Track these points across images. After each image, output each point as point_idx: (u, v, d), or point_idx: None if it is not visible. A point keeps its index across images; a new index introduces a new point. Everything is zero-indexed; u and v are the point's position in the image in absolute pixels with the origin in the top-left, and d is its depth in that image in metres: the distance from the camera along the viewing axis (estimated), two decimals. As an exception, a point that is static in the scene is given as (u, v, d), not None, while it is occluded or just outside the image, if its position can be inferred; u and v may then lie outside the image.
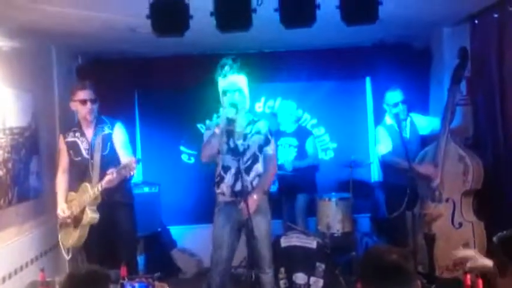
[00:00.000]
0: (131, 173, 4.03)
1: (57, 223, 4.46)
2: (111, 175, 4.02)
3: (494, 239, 2.55)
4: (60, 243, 4.44)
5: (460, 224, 4.43)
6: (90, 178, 4.28)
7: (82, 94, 4.32)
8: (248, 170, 4.08)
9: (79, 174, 4.40)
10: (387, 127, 4.95)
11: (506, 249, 2.29)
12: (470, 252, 2.62)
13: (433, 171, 4.55)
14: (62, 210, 4.32)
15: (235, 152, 4.08)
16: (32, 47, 4.67)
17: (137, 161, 4.10)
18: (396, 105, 4.87)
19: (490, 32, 4.35)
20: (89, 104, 4.31)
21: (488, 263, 2.46)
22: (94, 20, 4.29)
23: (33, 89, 4.64)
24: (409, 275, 2.14)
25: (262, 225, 4.09)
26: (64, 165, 4.46)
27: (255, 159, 4.14)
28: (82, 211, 4.23)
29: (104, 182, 4.07)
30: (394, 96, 4.90)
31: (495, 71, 4.33)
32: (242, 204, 3.95)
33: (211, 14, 3.33)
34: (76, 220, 4.28)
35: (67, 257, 4.40)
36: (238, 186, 4.08)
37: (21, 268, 4.26)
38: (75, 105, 4.38)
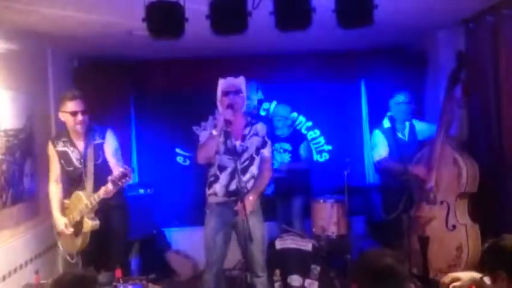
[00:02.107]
0: (128, 182, 3.97)
1: (51, 225, 4.41)
2: (107, 187, 3.91)
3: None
4: (62, 248, 4.37)
5: (454, 227, 4.43)
6: (83, 187, 4.22)
7: (73, 105, 4.15)
8: (244, 171, 4.10)
9: (72, 183, 4.34)
10: (384, 130, 4.97)
11: (493, 258, 2.31)
12: (456, 275, 2.64)
13: (425, 172, 4.57)
14: (65, 225, 4.21)
15: (232, 152, 4.09)
16: (28, 49, 4.66)
17: (132, 170, 3.93)
18: (409, 103, 4.95)
19: (484, 35, 4.37)
20: (79, 116, 4.15)
21: (476, 276, 2.48)
22: (90, 23, 4.29)
23: (29, 91, 4.62)
24: (403, 278, 2.17)
25: (257, 229, 4.09)
26: (55, 174, 4.35)
27: (251, 161, 4.17)
28: (81, 219, 4.16)
29: (101, 194, 3.97)
30: (405, 95, 4.99)
31: (490, 75, 4.35)
32: (239, 205, 3.98)
33: (207, 17, 3.34)
34: (76, 228, 4.21)
35: (72, 261, 4.31)
36: (232, 186, 4.11)
37: (16, 270, 4.23)
38: (64, 116, 4.21)
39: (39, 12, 3.90)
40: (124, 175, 3.84)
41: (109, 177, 3.90)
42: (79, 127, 4.20)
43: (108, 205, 4.22)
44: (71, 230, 4.21)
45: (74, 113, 4.16)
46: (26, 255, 4.45)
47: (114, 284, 3.59)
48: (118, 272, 3.65)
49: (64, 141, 4.30)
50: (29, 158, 4.58)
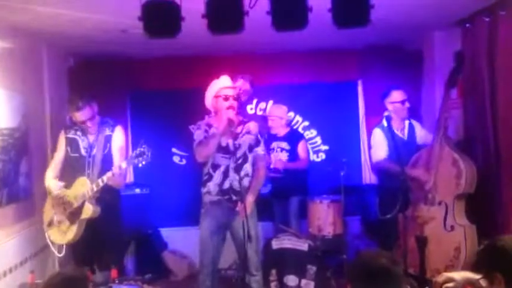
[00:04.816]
0: (144, 162, 4.00)
1: (43, 219, 4.42)
2: (111, 173, 4.06)
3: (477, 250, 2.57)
4: (50, 241, 4.38)
5: (452, 227, 4.44)
6: (84, 175, 4.28)
7: (79, 116, 4.30)
8: (238, 169, 4.11)
9: (74, 170, 4.37)
10: (383, 129, 4.96)
11: (489, 260, 2.30)
12: (450, 275, 2.63)
13: (424, 175, 4.57)
14: (58, 186, 4.30)
15: (226, 151, 4.14)
16: (24, 47, 4.64)
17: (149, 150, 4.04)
18: (403, 102, 4.94)
19: (481, 35, 4.38)
20: (88, 123, 4.33)
21: (473, 276, 2.47)
22: (85, 21, 4.28)
23: (24, 90, 4.61)
24: (398, 279, 2.16)
25: (253, 229, 4.10)
26: (57, 159, 4.45)
27: (245, 159, 4.21)
28: (80, 206, 4.20)
29: (106, 177, 4.08)
30: (400, 94, 4.98)
31: (486, 75, 4.35)
32: (240, 206, 3.99)
33: (203, 16, 3.33)
34: (73, 215, 4.24)
35: (59, 255, 4.37)
36: (226, 185, 4.15)
37: (11, 270, 4.22)
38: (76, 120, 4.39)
39: (34, 10, 3.89)
40: (141, 153, 3.96)
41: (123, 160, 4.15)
42: (89, 130, 4.38)
43: (101, 202, 4.23)
44: (62, 184, 4.29)
45: (82, 122, 4.33)
46: (22, 255, 4.43)
47: (109, 284, 3.58)
48: (114, 272, 3.64)
49: (75, 130, 4.43)
50: (25, 157, 4.56)
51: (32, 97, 4.79)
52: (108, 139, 4.42)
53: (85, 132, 4.41)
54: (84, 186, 4.20)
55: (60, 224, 4.30)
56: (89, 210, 4.19)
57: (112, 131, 4.44)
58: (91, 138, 4.40)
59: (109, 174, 4.08)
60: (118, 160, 4.35)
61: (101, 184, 4.12)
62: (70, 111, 4.37)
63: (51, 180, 4.35)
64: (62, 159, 4.45)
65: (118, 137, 4.46)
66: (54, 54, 5.30)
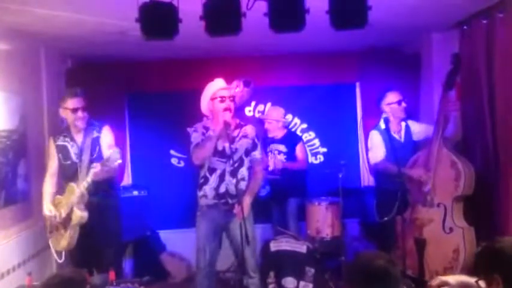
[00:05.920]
0: (116, 164, 3.95)
1: (45, 227, 4.41)
2: (96, 168, 3.98)
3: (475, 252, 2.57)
4: (52, 248, 4.39)
5: (451, 229, 4.43)
6: (75, 181, 4.24)
7: (73, 102, 4.26)
8: (234, 173, 4.13)
9: (68, 178, 4.35)
10: (381, 131, 4.96)
11: (488, 262, 2.30)
12: (445, 279, 2.63)
13: (423, 175, 4.56)
14: (49, 209, 4.28)
15: (222, 155, 4.15)
16: (21, 49, 4.64)
17: (120, 151, 3.98)
18: (399, 102, 4.95)
19: (479, 37, 4.38)
20: (80, 113, 4.26)
21: (468, 280, 2.47)
22: (83, 23, 4.28)
23: (22, 91, 4.60)
24: (396, 280, 2.16)
25: (250, 231, 4.09)
26: (52, 169, 4.42)
27: (241, 163, 4.22)
28: (70, 212, 4.19)
29: (90, 176, 4.01)
30: (395, 95, 4.99)
31: (484, 77, 4.35)
32: (237, 208, 4.00)
33: (201, 18, 3.33)
34: (65, 221, 4.23)
35: (60, 261, 4.35)
36: (222, 189, 4.16)
37: (8, 272, 4.20)
38: (65, 113, 4.32)
39: (32, 12, 3.88)
40: (110, 155, 3.91)
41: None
42: (79, 123, 4.29)
43: (100, 205, 4.22)
44: (54, 214, 4.24)
45: (74, 110, 4.26)
46: (19, 257, 4.42)
47: (107, 286, 3.57)
48: (112, 275, 3.63)
49: (64, 136, 4.38)
50: (23, 159, 4.55)
51: (30, 99, 4.78)
52: (96, 141, 4.35)
53: (73, 137, 4.35)
54: (73, 193, 4.17)
55: (57, 230, 4.30)
56: (76, 216, 4.16)
57: (99, 132, 4.38)
58: (79, 140, 4.33)
59: (92, 170, 4.00)
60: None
61: (86, 185, 4.07)
62: (63, 101, 4.29)
63: (48, 204, 4.31)
64: (57, 168, 4.40)
65: (107, 136, 4.39)
66: (52, 55, 5.29)
